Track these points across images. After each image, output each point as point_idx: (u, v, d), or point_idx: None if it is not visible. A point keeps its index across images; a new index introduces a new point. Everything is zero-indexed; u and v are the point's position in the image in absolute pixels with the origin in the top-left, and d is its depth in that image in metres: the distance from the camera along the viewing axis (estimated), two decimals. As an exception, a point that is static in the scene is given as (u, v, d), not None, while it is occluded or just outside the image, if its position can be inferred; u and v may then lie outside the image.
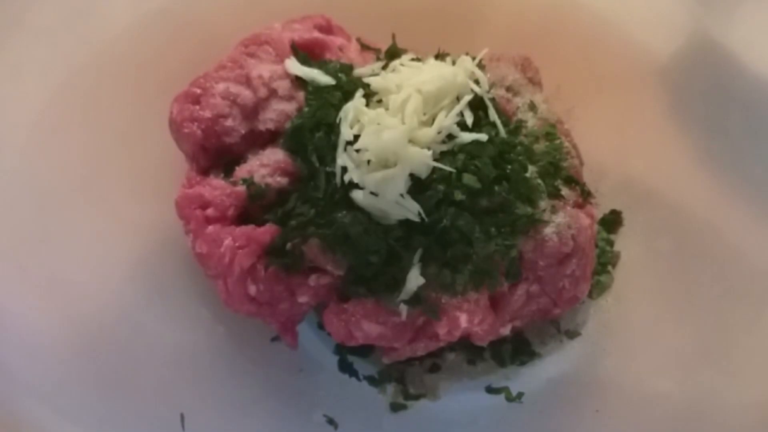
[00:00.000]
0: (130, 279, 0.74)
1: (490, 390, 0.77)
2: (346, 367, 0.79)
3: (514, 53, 0.79)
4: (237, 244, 0.68)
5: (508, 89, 0.76)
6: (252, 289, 0.69)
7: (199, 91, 0.72)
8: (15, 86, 0.73)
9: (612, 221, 0.85)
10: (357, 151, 0.68)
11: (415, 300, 0.68)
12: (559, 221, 0.71)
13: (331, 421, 0.73)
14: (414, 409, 0.76)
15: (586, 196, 0.76)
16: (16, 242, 0.69)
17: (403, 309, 0.67)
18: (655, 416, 0.70)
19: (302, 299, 0.69)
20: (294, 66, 0.73)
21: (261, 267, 0.68)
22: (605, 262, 0.82)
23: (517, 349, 0.79)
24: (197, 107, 0.72)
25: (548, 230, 0.70)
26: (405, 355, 0.72)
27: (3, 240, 0.69)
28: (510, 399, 0.76)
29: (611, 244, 0.84)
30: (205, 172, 0.72)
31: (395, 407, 0.76)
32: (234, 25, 0.76)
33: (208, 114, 0.71)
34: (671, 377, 0.72)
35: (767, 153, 0.76)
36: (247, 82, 0.72)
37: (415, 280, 0.67)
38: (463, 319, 0.67)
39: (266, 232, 0.69)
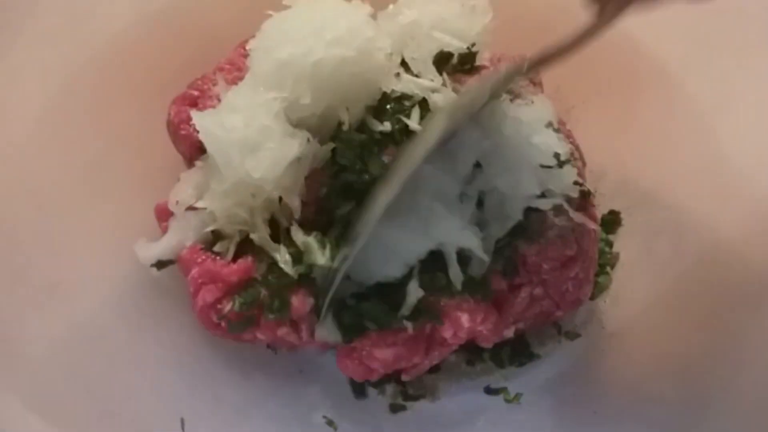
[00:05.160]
0: (129, 280, 0.74)
1: (489, 391, 0.77)
2: (345, 368, 0.79)
3: (515, 53, 0.79)
4: (200, 281, 0.68)
5: (509, 90, 0.76)
6: (216, 319, 0.69)
7: (196, 93, 0.72)
8: (15, 88, 0.72)
9: (611, 222, 0.85)
10: None
11: (417, 312, 0.67)
12: (563, 224, 0.70)
13: (330, 423, 0.73)
14: (413, 410, 0.76)
15: (588, 198, 0.75)
16: (15, 243, 0.69)
17: (408, 324, 0.67)
18: (653, 418, 0.70)
19: (263, 338, 0.69)
20: None
21: (225, 303, 0.68)
22: (604, 263, 0.82)
23: (516, 350, 0.79)
24: (194, 109, 0.71)
25: (552, 233, 0.70)
26: (425, 369, 0.71)
27: (2, 240, 0.68)
28: (508, 400, 0.76)
29: (610, 245, 0.84)
30: None
31: (394, 408, 0.76)
32: (234, 25, 0.75)
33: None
34: (669, 379, 0.72)
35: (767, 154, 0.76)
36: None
37: (414, 292, 0.67)
38: (464, 319, 0.67)
39: (234, 272, 0.68)
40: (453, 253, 0.67)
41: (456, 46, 0.73)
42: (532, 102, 0.75)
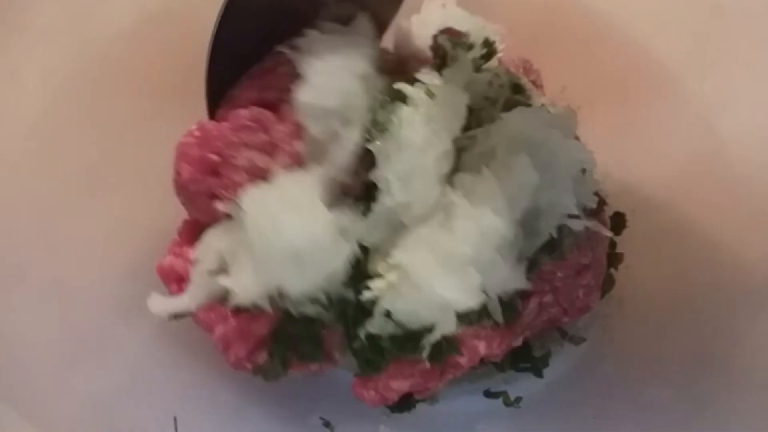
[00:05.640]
0: (129, 280, 0.74)
1: (489, 394, 0.77)
2: (343, 370, 0.78)
3: (515, 56, 0.78)
4: (228, 339, 0.65)
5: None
6: (252, 370, 0.68)
7: (217, 158, 0.63)
8: (15, 88, 0.73)
9: (616, 224, 0.83)
10: None
11: (437, 346, 0.66)
12: (578, 232, 0.69)
13: (327, 425, 0.73)
14: (411, 413, 0.75)
15: (602, 204, 0.74)
16: (16, 243, 0.70)
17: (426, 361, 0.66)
18: (654, 423, 0.69)
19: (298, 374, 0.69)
20: None
21: (258, 354, 0.67)
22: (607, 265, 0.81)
23: (518, 354, 0.78)
24: (217, 181, 0.63)
25: (568, 242, 0.69)
26: (439, 390, 0.71)
27: (2, 241, 0.69)
28: (508, 404, 0.76)
29: (614, 246, 0.82)
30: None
31: (392, 410, 0.76)
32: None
33: (231, 195, 0.62)
34: (671, 384, 0.71)
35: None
36: (274, 150, 0.64)
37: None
38: (482, 347, 0.67)
39: (263, 325, 0.65)
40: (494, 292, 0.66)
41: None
42: (555, 111, 0.74)
